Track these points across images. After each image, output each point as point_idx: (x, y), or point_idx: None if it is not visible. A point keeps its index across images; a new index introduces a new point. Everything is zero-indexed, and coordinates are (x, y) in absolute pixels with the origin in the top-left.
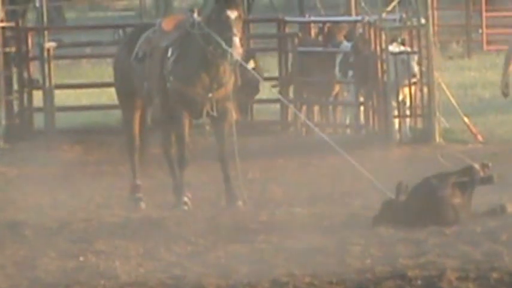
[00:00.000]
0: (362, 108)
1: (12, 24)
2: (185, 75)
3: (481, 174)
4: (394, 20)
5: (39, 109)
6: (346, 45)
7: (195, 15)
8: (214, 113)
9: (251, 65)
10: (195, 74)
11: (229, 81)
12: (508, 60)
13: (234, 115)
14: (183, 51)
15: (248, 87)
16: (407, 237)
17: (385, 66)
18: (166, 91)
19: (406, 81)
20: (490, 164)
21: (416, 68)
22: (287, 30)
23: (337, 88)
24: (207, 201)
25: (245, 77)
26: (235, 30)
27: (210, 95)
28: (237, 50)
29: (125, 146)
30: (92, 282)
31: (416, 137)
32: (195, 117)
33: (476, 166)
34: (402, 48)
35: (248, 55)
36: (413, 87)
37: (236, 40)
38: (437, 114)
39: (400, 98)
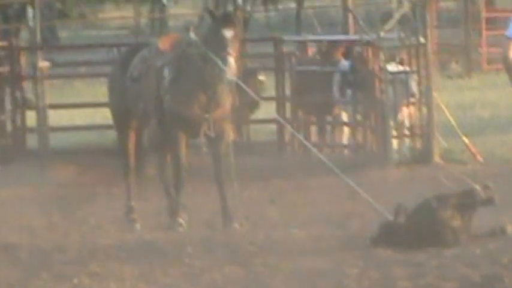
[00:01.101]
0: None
1: (5, 43)
2: (182, 95)
3: (482, 195)
4: (393, 39)
5: (32, 129)
6: (344, 64)
7: (192, 34)
8: (212, 134)
9: (260, 79)
10: (192, 94)
11: (227, 101)
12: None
13: (231, 135)
14: (180, 70)
15: (246, 106)
16: (406, 259)
17: (383, 86)
18: (162, 111)
19: (405, 101)
20: (491, 185)
21: (415, 88)
22: (284, 49)
23: (336, 109)
24: (203, 223)
25: (243, 96)
26: (230, 50)
27: (207, 115)
28: (231, 70)
29: (120, 167)
30: None
31: (415, 158)
32: (191, 137)
33: (478, 187)
34: (401, 67)
35: (250, 74)
36: (412, 107)
37: (231, 60)
38: (436, 134)
39: (399, 118)
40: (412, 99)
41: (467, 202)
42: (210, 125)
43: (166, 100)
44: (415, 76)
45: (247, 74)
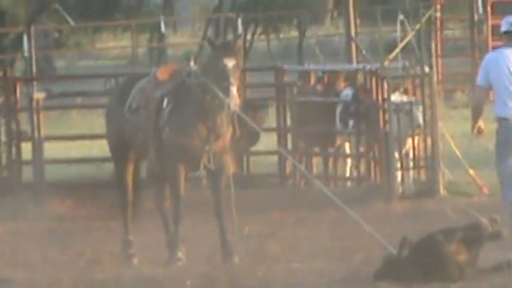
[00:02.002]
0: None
1: (0, 73)
2: (182, 127)
3: (490, 229)
4: (397, 68)
5: (28, 162)
6: (347, 94)
7: (192, 63)
8: (212, 166)
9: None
10: (192, 125)
11: (227, 132)
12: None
13: (231, 168)
14: (179, 101)
15: (247, 138)
16: None
17: (387, 117)
18: (161, 143)
19: (410, 133)
20: (498, 219)
21: (421, 119)
22: (285, 78)
23: (339, 140)
24: (202, 257)
25: (243, 127)
26: (232, 80)
27: (208, 147)
28: (234, 101)
29: (117, 200)
30: None
31: (419, 190)
32: (191, 169)
33: (485, 221)
34: (405, 97)
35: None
36: (416, 138)
37: (233, 90)
38: (442, 165)
39: (404, 150)
40: (418, 131)
41: (474, 236)
42: (210, 157)
43: (166, 132)
44: (420, 107)
45: (249, 105)
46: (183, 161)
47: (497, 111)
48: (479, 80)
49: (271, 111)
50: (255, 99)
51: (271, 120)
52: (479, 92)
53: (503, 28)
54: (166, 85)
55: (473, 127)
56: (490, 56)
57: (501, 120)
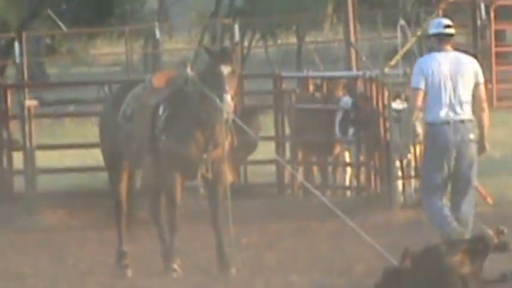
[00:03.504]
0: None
1: None
2: (178, 135)
3: (496, 241)
4: (397, 75)
5: (19, 171)
6: (346, 101)
7: (188, 70)
8: (209, 175)
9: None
10: (189, 133)
11: (225, 140)
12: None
13: (229, 177)
14: (176, 108)
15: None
16: None
17: (387, 124)
18: (157, 151)
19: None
20: (505, 230)
21: (419, 128)
22: (284, 86)
23: (338, 148)
24: (198, 268)
25: (241, 135)
26: (227, 87)
27: (205, 155)
28: (228, 108)
29: (111, 210)
30: None
31: (421, 200)
32: (188, 179)
33: (490, 232)
34: (406, 105)
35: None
36: (418, 147)
37: (228, 98)
38: None
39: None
40: (417, 140)
41: (478, 248)
42: (207, 167)
43: (162, 140)
44: (420, 114)
45: (247, 113)
46: (180, 169)
47: (426, 116)
48: (415, 82)
49: (270, 119)
50: (250, 106)
51: (269, 128)
52: (417, 93)
53: (432, 30)
54: (162, 92)
55: (404, 143)
56: (423, 59)
57: (429, 125)
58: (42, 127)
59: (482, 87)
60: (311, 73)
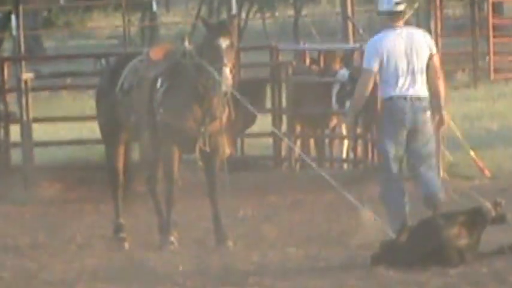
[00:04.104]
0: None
1: None
2: (176, 108)
3: (493, 213)
4: None
5: (16, 144)
6: (343, 74)
7: (186, 43)
8: (207, 148)
9: None
10: (186, 107)
11: (223, 114)
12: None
13: (226, 150)
14: (174, 82)
15: (243, 120)
16: (408, 279)
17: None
18: (155, 124)
19: None
20: (503, 202)
21: None
22: (281, 58)
23: (334, 120)
24: (195, 241)
25: (240, 109)
26: (226, 60)
27: (203, 129)
28: (227, 81)
29: (108, 182)
30: None
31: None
32: (185, 152)
33: (488, 204)
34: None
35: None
36: None
37: (226, 71)
38: (442, 147)
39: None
40: None
41: (476, 220)
42: (205, 140)
43: (160, 113)
44: None
45: (255, 85)
46: (177, 143)
47: (382, 93)
48: (368, 63)
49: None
50: (258, 78)
51: (266, 101)
52: (368, 75)
53: (384, 6)
54: (160, 65)
55: (351, 116)
56: (376, 38)
57: (385, 101)
58: (39, 100)
59: (436, 58)
60: (308, 46)
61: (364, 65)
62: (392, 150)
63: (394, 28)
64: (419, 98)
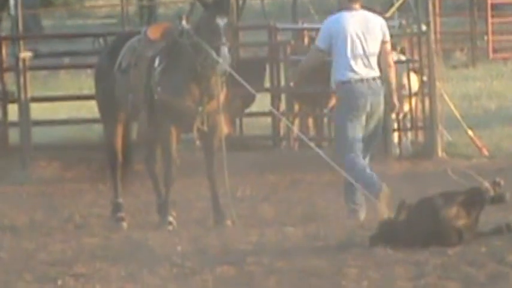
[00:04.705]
0: None
1: None
2: (174, 87)
3: (492, 193)
4: (393, 26)
5: (14, 123)
6: None
7: (184, 22)
8: (205, 128)
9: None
10: (184, 86)
11: (221, 93)
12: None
13: (224, 129)
14: (172, 61)
15: (242, 99)
16: (407, 259)
17: (383, 76)
18: (153, 104)
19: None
20: (502, 182)
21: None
22: (279, 37)
23: (333, 100)
24: (194, 221)
25: (238, 88)
26: (224, 39)
27: (201, 108)
28: (225, 60)
29: (106, 162)
30: None
31: (417, 152)
32: (184, 131)
33: (487, 184)
34: (402, 57)
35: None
36: (413, 99)
37: (225, 50)
38: (440, 127)
39: (402, 113)
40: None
41: (475, 200)
42: (203, 119)
43: (158, 92)
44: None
45: (256, 64)
46: (176, 122)
47: (337, 75)
48: (320, 42)
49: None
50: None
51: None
52: (315, 52)
53: None
54: (158, 44)
55: (294, 81)
56: (331, 19)
57: (342, 84)
58: (37, 79)
59: (388, 45)
60: (306, 25)
61: (316, 42)
62: (353, 132)
63: (350, 10)
64: (374, 79)
